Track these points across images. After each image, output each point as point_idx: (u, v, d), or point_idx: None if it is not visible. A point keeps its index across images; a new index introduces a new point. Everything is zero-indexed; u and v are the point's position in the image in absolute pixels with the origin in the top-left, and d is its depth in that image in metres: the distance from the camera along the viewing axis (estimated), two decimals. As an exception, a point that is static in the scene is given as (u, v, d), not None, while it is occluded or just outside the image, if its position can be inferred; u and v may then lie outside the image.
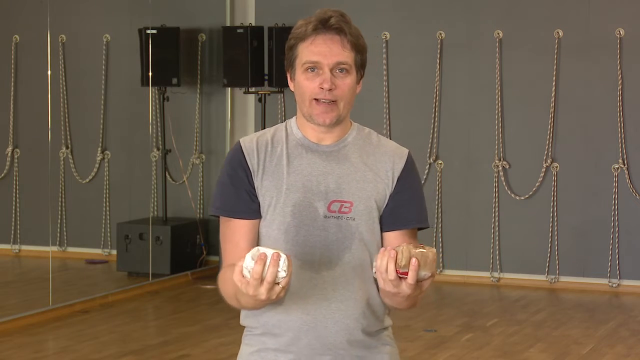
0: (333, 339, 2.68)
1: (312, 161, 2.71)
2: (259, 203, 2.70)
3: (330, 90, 2.65)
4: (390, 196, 2.72)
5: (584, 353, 6.58)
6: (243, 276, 2.45)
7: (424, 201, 2.78)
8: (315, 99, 2.66)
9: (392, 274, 2.47)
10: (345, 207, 2.68)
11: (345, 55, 2.66)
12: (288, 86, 2.77)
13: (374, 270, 2.53)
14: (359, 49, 2.69)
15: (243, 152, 2.72)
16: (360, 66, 2.71)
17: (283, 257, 2.43)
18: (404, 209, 2.72)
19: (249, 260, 2.44)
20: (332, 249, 2.68)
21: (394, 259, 2.46)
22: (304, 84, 2.67)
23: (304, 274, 2.66)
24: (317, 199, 2.68)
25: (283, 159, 2.71)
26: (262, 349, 2.72)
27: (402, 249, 2.47)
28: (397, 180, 2.73)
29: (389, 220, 2.72)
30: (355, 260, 2.68)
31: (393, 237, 2.71)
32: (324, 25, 2.66)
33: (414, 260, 2.45)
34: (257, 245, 2.68)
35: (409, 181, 2.74)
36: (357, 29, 2.71)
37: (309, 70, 2.66)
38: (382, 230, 2.73)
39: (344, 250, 2.68)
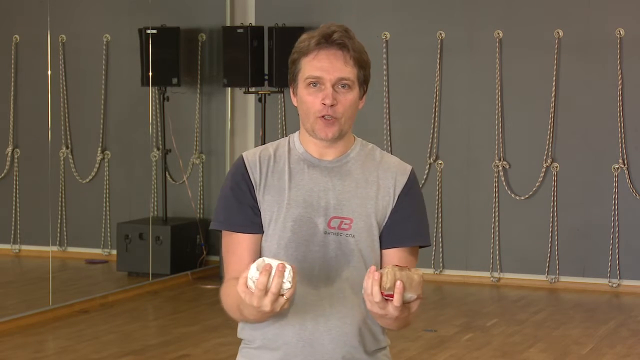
0: (329, 356, 2.65)
1: (313, 177, 2.69)
2: (261, 217, 2.68)
3: (332, 106, 2.62)
4: (390, 213, 2.69)
5: (584, 353, 6.58)
6: (247, 287, 2.43)
7: (425, 218, 2.74)
8: (320, 116, 2.63)
9: (377, 296, 2.44)
10: (345, 224, 2.66)
11: (347, 71, 2.63)
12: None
13: (363, 291, 2.50)
14: (362, 64, 2.66)
15: (246, 166, 2.70)
16: (363, 82, 2.68)
17: (288, 268, 2.42)
18: (403, 226, 2.69)
19: (254, 271, 2.42)
20: (331, 265, 2.65)
21: (379, 282, 2.44)
22: (306, 99, 2.65)
23: (302, 289, 2.63)
24: (317, 214, 2.66)
25: (285, 174, 2.69)
26: None
27: (387, 271, 2.44)
28: (398, 197, 2.69)
29: (387, 237, 2.69)
30: (354, 277, 2.64)
31: (391, 255, 2.68)
32: (327, 40, 2.64)
33: (398, 282, 2.43)
34: None
35: (409, 198, 2.71)
36: (361, 45, 2.68)
37: (311, 85, 2.64)
38: (381, 247, 2.69)
39: (343, 267, 2.65)
